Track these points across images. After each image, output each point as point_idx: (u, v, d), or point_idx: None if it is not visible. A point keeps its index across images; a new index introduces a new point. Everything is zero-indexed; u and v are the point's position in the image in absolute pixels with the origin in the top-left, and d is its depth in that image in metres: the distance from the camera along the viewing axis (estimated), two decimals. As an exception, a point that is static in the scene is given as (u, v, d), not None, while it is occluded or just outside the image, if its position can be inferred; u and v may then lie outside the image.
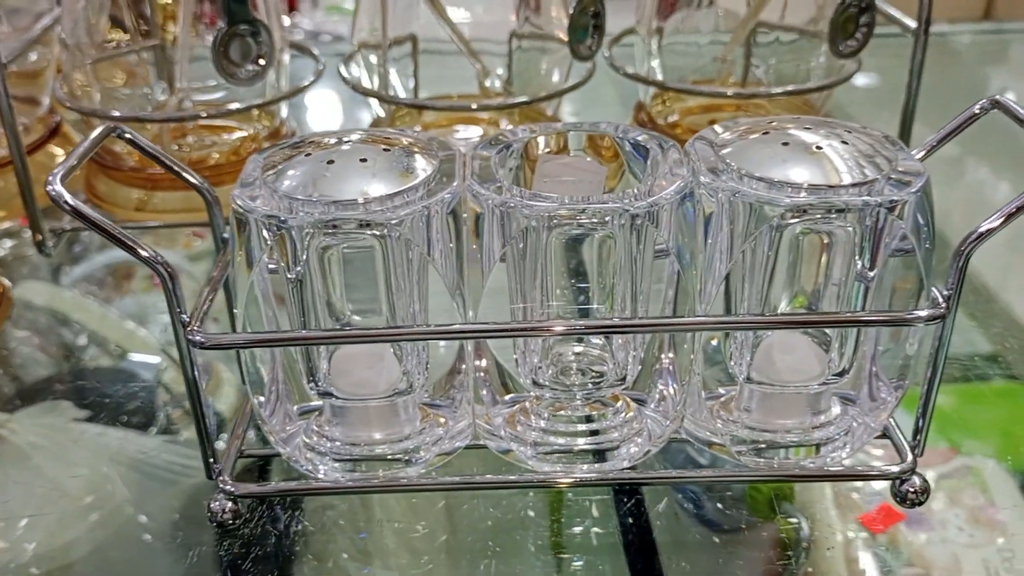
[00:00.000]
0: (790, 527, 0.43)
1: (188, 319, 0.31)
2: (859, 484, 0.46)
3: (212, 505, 0.34)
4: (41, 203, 0.51)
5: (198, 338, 0.31)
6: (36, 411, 0.52)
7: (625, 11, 0.57)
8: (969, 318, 0.58)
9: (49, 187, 0.29)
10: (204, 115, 0.51)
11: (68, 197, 0.29)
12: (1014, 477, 0.48)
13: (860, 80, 0.71)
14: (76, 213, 0.29)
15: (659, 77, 0.54)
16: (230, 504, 0.34)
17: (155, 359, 0.59)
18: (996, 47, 1.07)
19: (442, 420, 0.36)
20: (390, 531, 0.42)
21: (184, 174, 0.36)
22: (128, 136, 0.34)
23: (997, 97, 0.35)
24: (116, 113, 0.50)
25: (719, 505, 0.43)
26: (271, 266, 0.32)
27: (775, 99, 0.53)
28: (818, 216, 0.31)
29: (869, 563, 0.42)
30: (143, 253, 0.30)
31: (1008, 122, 0.35)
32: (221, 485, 0.34)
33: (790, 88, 0.52)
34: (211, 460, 0.34)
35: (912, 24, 0.48)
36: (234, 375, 0.60)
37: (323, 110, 0.82)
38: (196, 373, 0.32)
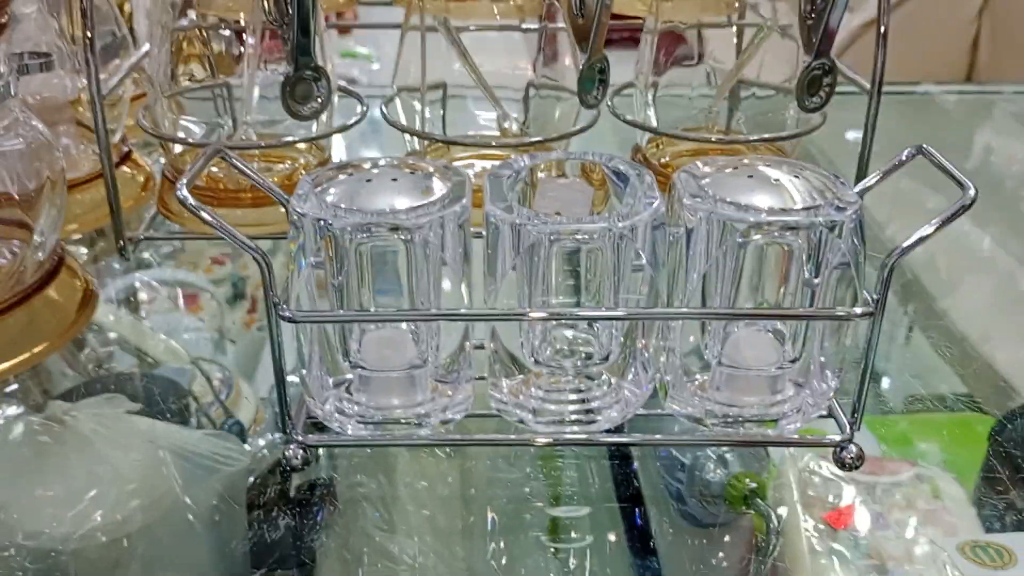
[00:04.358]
0: (761, 519, 0.51)
1: (278, 300, 0.40)
2: (827, 487, 0.54)
3: (286, 453, 0.42)
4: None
5: (287, 315, 0.39)
6: (95, 402, 0.59)
7: (626, 64, 0.66)
8: (945, 362, 0.67)
9: (178, 191, 0.38)
10: (275, 144, 0.60)
11: (192, 199, 0.38)
12: (963, 485, 0.56)
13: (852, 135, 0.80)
14: (196, 211, 0.38)
15: (653, 124, 0.63)
16: (301, 452, 0.42)
17: (187, 367, 0.66)
18: (980, 107, 1.15)
19: (449, 392, 0.44)
20: (416, 490, 0.49)
21: (272, 186, 0.44)
22: (233, 159, 0.43)
23: (922, 145, 0.44)
24: (190, 139, 0.59)
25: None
26: (317, 261, 0.40)
27: (752, 145, 0.62)
28: (775, 232, 0.40)
29: (831, 554, 0.49)
30: (248, 243, 0.38)
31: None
32: (294, 436, 0.42)
33: (764, 136, 0.61)
34: (287, 417, 0.42)
35: (867, 85, 0.57)
36: (253, 391, 0.68)
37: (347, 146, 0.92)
38: (281, 343, 0.40)
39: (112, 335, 0.74)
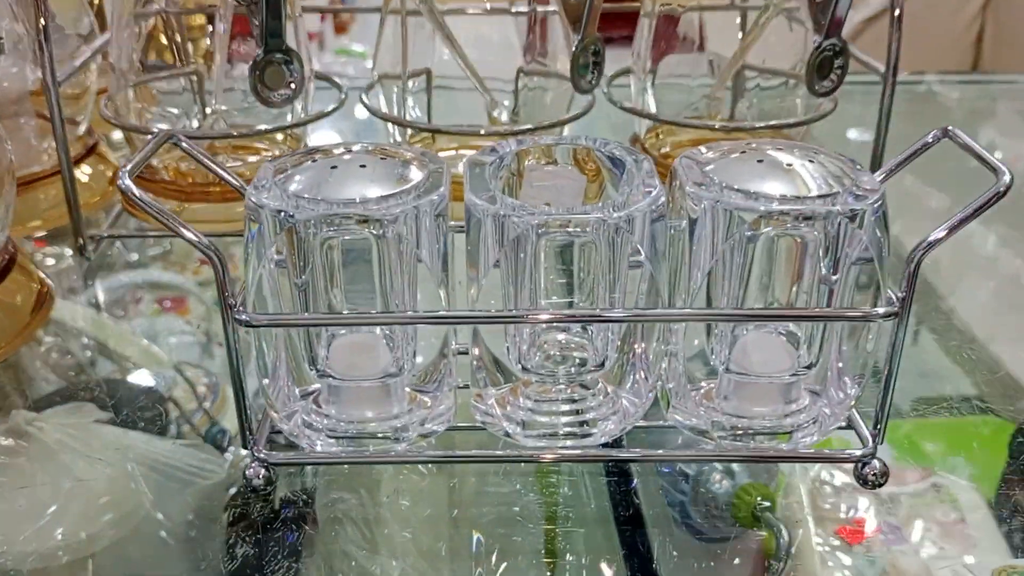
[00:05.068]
0: (771, 535, 0.47)
1: (234, 301, 0.35)
2: (839, 498, 0.50)
3: (247, 472, 0.38)
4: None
5: (243, 318, 0.35)
6: (62, 411, 0.55)
7: (623, 55, 0.62)
8: (953, 363, 0.63)
9: (120, 181, 0.34)
10: (245, 133, 0.56)
11: (136, 189, 0.34)
12: (984, 497, 0.52)
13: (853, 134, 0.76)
14: (142, 202, 0.34)
15: (653, 111, 0.59)
16: (263, 471, 0.38)
17: (169, 373, 0.62)
18: (985, 98, 1.12)
19: (428, 403, 0.40)
20: (398, 509, 0.46)
21: (227, 176, 0.40)
22: (184, 145, 0.38)
23: (948, 127, 0.40)
24: (155, 128, 0.55)
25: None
26: (278, 259, 0.36)
27: (757, 132, 0.58)
28: (788, 223, 0.35)
29: (845, 571, 0.46)
30: (196, 238, 0.34)
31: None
32: (255, 453, 0.38)
33: (771, 123, 0.57)
34: (248, 432, 0.38)
35: (881, 68, 0.53)
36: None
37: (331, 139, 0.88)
38: (238, 349, 0.36)
39: (86, 340, 0.71)
